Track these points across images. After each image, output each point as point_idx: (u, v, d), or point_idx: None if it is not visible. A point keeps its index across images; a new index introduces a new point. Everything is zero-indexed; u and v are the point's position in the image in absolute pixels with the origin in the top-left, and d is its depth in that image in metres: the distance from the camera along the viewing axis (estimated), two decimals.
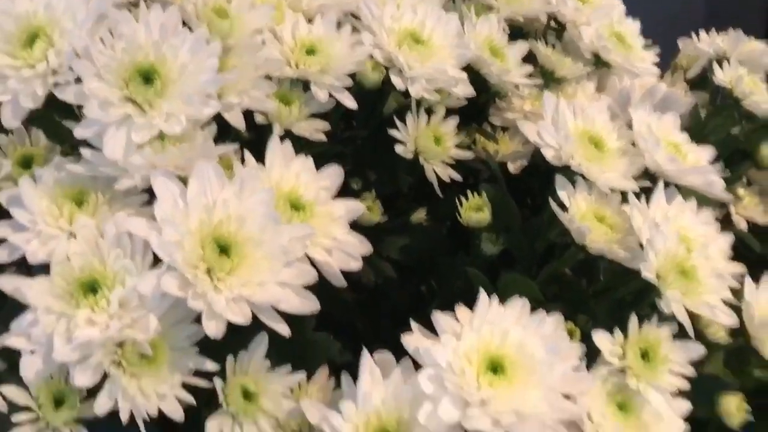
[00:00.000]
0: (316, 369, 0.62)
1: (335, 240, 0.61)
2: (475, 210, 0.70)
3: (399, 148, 0.73)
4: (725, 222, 0.88)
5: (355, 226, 0.63)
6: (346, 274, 0.60)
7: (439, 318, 0.57)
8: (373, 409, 0.55)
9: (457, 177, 0.75)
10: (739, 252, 0.86)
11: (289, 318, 0.61)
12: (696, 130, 0.85)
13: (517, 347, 0.56)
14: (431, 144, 0.74)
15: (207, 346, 0.56)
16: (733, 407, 0.64)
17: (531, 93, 0.85)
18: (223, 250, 0.55)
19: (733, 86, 0.82)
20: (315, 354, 0.64)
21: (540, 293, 0.66)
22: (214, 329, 0.53)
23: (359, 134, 0.77)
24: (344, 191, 0.77)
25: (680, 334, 0.62)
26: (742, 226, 0.87)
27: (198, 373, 0.56)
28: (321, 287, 0.61)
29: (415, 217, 0.83)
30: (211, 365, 0.57)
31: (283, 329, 0.55)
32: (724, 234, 0.68)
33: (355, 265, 0.61)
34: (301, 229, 0.57)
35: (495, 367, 0.55)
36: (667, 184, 0.67)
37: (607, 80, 0.86)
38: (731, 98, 0.83)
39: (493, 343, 0.56)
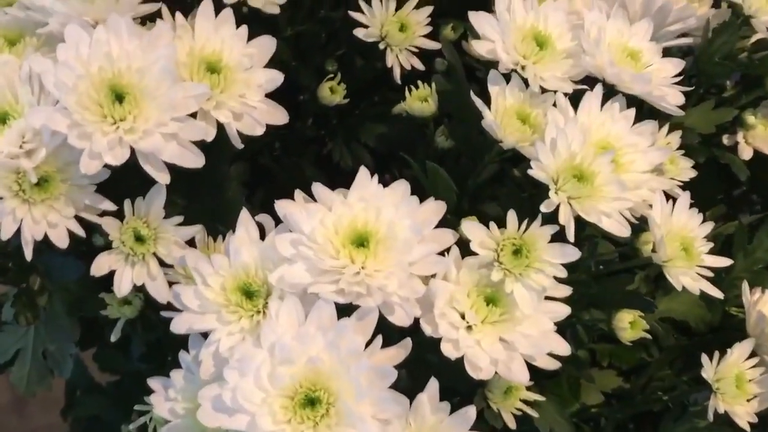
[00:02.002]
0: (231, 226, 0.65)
1: (246, 105, 0.63)
2: (420, 100, 0.70)
3: (360, 32, 0.74)
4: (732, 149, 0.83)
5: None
6: None
7: (319, 189, 0.59)
8: (241, 265, 0.58)
9: (419, 65, 0.75)
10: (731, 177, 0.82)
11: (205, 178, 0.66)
12: (702, 47, 0.80)
13: (387, 226, 0.57)
14: (395, 30, 0.74)
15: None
16: (626, 322, 0.62)
17: None
18: (118, 97, 0.58)
19: (743, 1, 0.76)
20: (231, 211, 0.67)
21: (452, 189, 0.66)
22: (91, 167, 0.57)
23: (334, 15, 0.78)
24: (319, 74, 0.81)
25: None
26: (746, 154, 0.82)
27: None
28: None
29: (398, 107, 0.83)
30: (108, 204, 0.61)
31: (163, 178, 0.59)
32: (660, 149, 0.65)
33: (260, 130, 0.63)
34: (195, 88, 0.60)
35: (361, 242, 0.57)
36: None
37: None
38: (741, 15, 0.77)
39: (364, 219, 0.57)
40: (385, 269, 0.56)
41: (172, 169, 0.60)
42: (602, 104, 0.65)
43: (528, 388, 0.68)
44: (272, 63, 0.80)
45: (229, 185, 0.69)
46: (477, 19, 0.67)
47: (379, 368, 0.53)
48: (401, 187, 0.59)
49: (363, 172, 0.59)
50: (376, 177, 0.59)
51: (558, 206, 0.59)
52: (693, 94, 0.83)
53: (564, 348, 0.60)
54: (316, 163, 0.88)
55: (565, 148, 0.60)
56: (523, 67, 0.65)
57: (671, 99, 0.67)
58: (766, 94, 0.80)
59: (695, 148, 0.80)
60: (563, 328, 0.70)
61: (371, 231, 0.57)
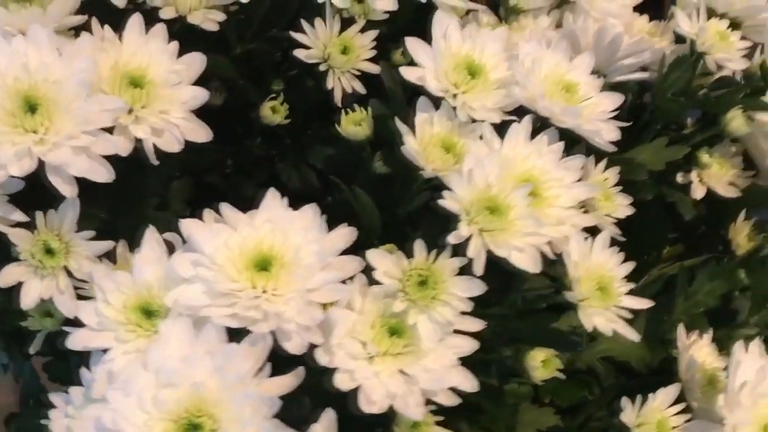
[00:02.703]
0: None
1: (167, 122, 0.63)
2: (354, 124, 0.69)
3: (301, 53, 0.73)
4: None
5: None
6: None
7: (226, 209, 0.58)
8: (143, 283, 0.58)
9: (361, 89, 0.74)
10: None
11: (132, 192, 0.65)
12: (657, 82, 0.79)
13: (292, 251, 0.56)
14: (336, 52, 0.73)
15: None
16: (538, 361, 0.60)
17: (489, 21, 0.82)
18: (31, 108, 0.58)
19: (697, 37, 0.75)
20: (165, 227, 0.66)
21: (376, 215, 0.65)
22: None
23: (284, 35, 0.77)
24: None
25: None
26: (698, 193, 0.80)
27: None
28: None
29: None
30: (19, 215, 0.61)
31: (69, 191, 0.58)
32: (586, 185, 0.63)
33: (177, 147, 0.63)
34: (111, 102, 0.60)
35: (264, 265, 0.56)
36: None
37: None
38: (696, 51, 0.76)
39: (270, 242, 0.56)
40: (286, 295, 0.55)
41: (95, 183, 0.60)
42: (533, 137, 0.64)
43: (461, 424, 0.66)
44: (219, 80, 0.81)
45: (157, 200, 0.68)
46: (412, 44, 0.66)
47: (264, 397, 0.52)
48: (310, 211, 0.58)
49: (271, 194, 0.58)
50: (285, 200, 0.58)
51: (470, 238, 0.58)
52: (650, 129, 0.82)
53: (470, 384, 0.58)
54: (269, 182, 0.88)
55: (482, 179, 0.58)
56: (454, 96, 0.64)
57: (605, 134, 0.65)
58: (722, 133, 0.78)
59: (645, 184, 0.79)
60: (489, 363, 0.69)
61: (276, 255, 0.56)
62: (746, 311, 0.74)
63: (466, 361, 0.67)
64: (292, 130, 0.81)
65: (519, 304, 0.66)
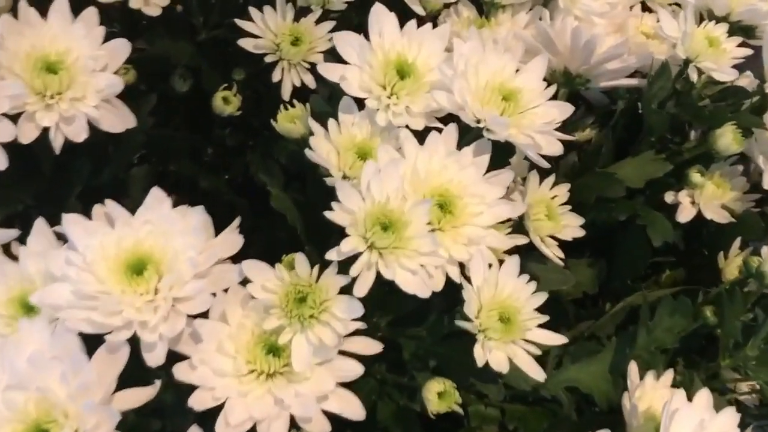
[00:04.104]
0: None
1: (78, 110, 0.60)
2: (289, 120, 0.65)
3: (248, 42, 0.70)
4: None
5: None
6: None
7: (110, 206, 0.55)
8: (27, 276, 0.56)
9: (311, 83, 0.70)
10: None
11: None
12: (645, 90, 0.71)
13: (169, 255, 0.53)
14: (287, 43, 0.69)
15: None
16: (434, 393, 0.55)
17: (469, 16, 0.76)
18: None
19: (681, 42, 0.67)
20: None
21: (297, 219, 0.61)
22: None
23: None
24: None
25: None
26: (683, 216, 0.72)
27: None
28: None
29: None
30: None
31: None
32: (511, 203, 0.57)
33: (83, 136, 0.60)
34: (10, 88, 0.58)
35: (137, 269, 0.53)
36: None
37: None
38: (680, 59, 0.68)
39: (148, 245, 0.53)
40: (154, 302, 0.52)
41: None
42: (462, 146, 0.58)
43: None
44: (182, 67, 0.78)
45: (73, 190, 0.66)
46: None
47: (105, 408, 0.49)
48: (195, 214, 0.55)
49: (154, 194, 0.55)
50: (169, 200, 0.55)
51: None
52: (645, 142, 0.75)
53: (355, 411, 0.54)
54: (245, 173, 0.85)
55: (379, 192, 0.54)
56: (378, 98, 0.59)
57: (545, 147, 0.59)
58: (710, 151, 0.69)
59: (621, 203, 0.72)
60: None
61: (150, 258, 0.53)
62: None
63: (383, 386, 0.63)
64: (266, 120, 0.78)
65: (443, 327, 0.61)
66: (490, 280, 0.54)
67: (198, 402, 0.51)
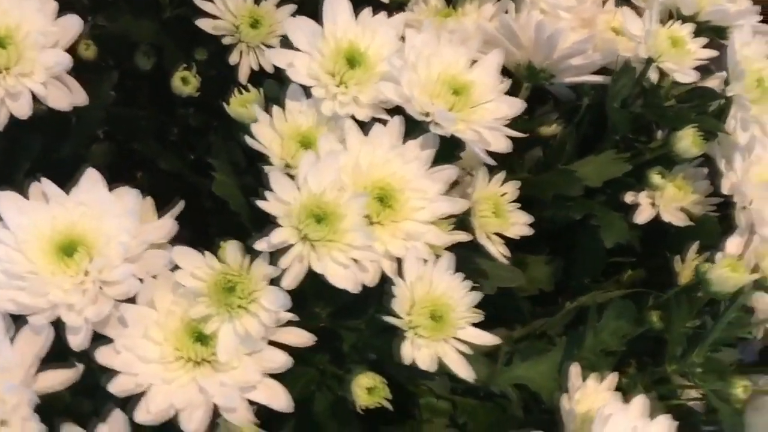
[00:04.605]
0: None
1: (24, 86, 0.60)
2: (241, 104, 0.64)
3: (206, 23, 0.69)
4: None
5: None
6: None
7: (45, 185, 0.55)
8: None
9: (270, 67, 0.69)
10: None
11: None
12: (609, 88, 0.70)
13: (102, 238, 0.53)
14: (246, 25, 0.68)
15: None
16: (363, 387, 0.55)
17: (436, 5, 0.75)
18: None
19: (644, 41, 0.66)
20: None
21: (242, 204, 0.61)
22: None
23: None
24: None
25: None
26: (640, 218, 0.71)
27: None
28: None
29: None
30: None
31: None
32: (452, 200, 0.56)
33: (27, 112, 0.59)
34: None
35: (68, 250, 0.52)
36: None
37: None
38: (642, 58, 0.67)
39: (81, 226, 0.53)
40: (83, 285, 0.51)
41: None
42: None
43: None
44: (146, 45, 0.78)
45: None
46: (291, 26, 0.60)
47: (25, 390, 0.49)
48: (129, 196, 0.54)
49: (89, 174, 0.54)
50: (103, 182, 0.54)
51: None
52: (607, 140, 0.74)
53: (284, 404, 0.53)
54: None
55: (316, 183, 0.53)
56: (326, 86, 0.58)
57: (493, 143, 0.58)
58: (670, 153, 0.68)
59: (577, 202, 0.71)
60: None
61: (83, 239, 0.53)
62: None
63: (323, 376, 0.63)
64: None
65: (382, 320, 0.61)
66: (425, 277, 0.53)
67: (119, 388, 0.51)
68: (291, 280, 0.52)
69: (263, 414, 0.55)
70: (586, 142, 0.76)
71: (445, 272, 0.54)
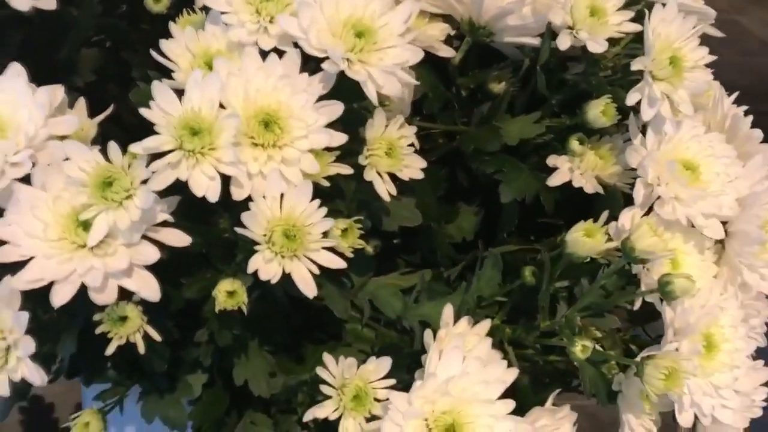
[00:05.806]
0: None
1: None
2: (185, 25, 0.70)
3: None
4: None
5: None
6: None
7: None
8: None
9: None
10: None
11: None
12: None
13: (7, 117, 0.60)
14: None
15: None
16: (224, 292, 0.61)
17: None
18: None
19: (563, 6, 0.67)
20: None
21: None
22: None
23: None
24: None
25: None
26: (553, 181, 0.73)
27: None
28: None
29: None
30: None
31: None
32: (329, 132, 0.61)
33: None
34: None
35: None
36: None
37: None
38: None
39: None
40: None
41: None
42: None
43: None
44: None
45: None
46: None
47: None
48: (43, 91, 0.61)
49: (14, 67, 0.61)
50: (24, 75, 0.61)
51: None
52: (546, 104, 0.76)
53: (153, 294, 0.59)
54: None
55: (198, 99, 0.58)
56: (237, 13, 0.63)
57: (385, 87, 0.62)
58: (583, 119, 0.71)
59: (495, 157, 0.74)
60: None
61: None
62: None
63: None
64: None
65: None
66: (286, 198, 0.58)
67: (4, 256, 0.58)
68: (158, 183, 0.57)
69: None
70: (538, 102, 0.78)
71: (304, 197, 0.59)
